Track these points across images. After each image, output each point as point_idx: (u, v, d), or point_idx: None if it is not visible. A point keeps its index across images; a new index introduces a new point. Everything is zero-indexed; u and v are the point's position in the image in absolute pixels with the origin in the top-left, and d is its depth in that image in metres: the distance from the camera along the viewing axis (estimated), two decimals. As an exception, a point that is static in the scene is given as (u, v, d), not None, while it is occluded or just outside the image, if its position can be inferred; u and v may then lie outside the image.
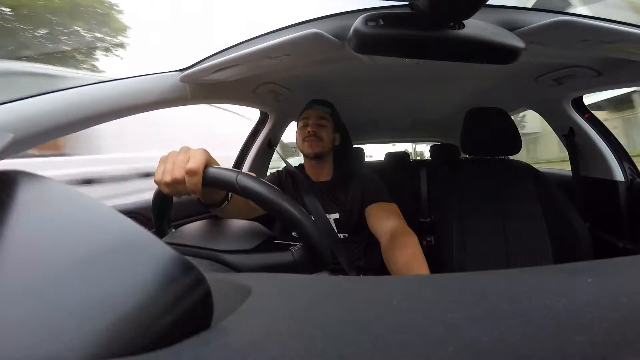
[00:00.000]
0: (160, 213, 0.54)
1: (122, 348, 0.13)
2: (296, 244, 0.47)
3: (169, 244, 0.45)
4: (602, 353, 0.11)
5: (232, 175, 0.43)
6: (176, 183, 0.45)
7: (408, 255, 0.77)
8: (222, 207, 0.55)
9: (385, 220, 0.91)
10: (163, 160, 0.47)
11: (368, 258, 1.04)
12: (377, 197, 0.98)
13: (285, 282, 0.25)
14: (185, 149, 0.46)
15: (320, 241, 0.44)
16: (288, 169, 1.10)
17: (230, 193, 0.58)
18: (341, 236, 0.99)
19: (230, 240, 0.46)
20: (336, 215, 0.99)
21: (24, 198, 0.18)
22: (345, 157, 1.16)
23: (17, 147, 0.54)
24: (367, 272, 1.04)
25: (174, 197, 0.52)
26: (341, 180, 1.05)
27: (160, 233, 0.55)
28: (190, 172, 0.43)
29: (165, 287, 0.16)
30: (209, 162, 0.45)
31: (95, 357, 0.12)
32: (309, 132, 1.00)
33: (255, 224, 0.52)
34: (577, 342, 0.12)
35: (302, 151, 1.03)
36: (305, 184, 1.02)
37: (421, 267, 0.74)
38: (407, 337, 0.14)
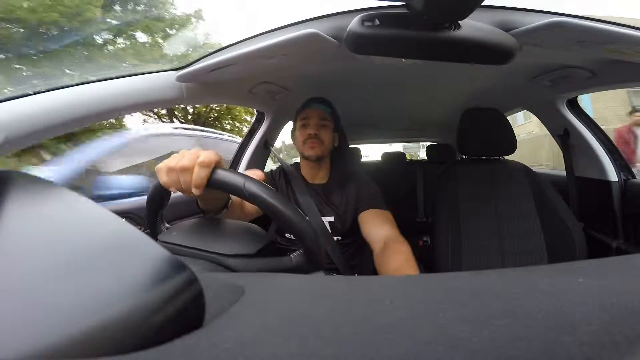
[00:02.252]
0: (157, 207, 0.53)
1: (113, 346, 0.13)
2: (295, 250, 0.48)
3: (168, 243, 0.45)
4: (587, 354, 0.11)
5: (240, 180, 0.42)
6: (182, 170, 0.42)
7: (399, 262, 0.76)
8: (221, 214, 0.54)
9: (378, 228, 0.89)
10: (173, 155, 0.45)
11: (363, 259, 1.04)
12: (371, 204, 0.96)
13: (278, 282, 0.25)
14: (197, 149, 0.45)
15: (319, 251, 0.45)
16: (284, 168, 1.06)
17: (230, 201, 0.58)
18: (335, 239, 0.97)
19: (232, 244, 0.45)
20: (331, 218, 0.98)
21: (15, 197, 0.18)
22: (342, 158, 1.13)
23: (9, 146, 0.53)
24: (362, 273, 1.03)
25: (171, 194, 0.51)
26: (337, 183, 1.02)
27: (153, 229, 0.54)
28: (202, 164, 0.42)
29: (157, 287, 0.16)
30: (219, 163, 0.44)
31: (87, 355, 0.12)
32: (310, 134, 0.95)
33: (255, 226, 0.52)
34: (565, 342, 0.12)
35: (302, 153, 0.99)
36: (300, 185, 0.99)
37: (412, 273, 0.73)
38: (398, 336, 0.14)
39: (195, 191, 0.43)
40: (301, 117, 1.00)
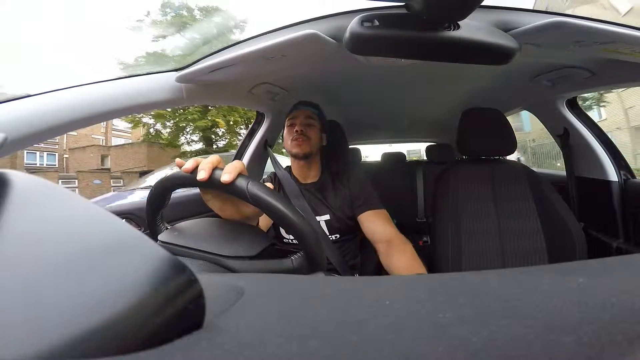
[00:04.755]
0: (158, 206, 0.52)
1: (112, 347, 0.13)
2: (296, 252, 0.47)
3: (168, 243, 0.45)
4: (587, 354, 0.11)
5: (243, 182, 0.42)
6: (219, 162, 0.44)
7: (405, 261, 0.81)
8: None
9: (381, 229, 0.92)
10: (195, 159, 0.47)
11: (363, 256, 1.05)
12: (368, 206, 0.98)
13: (278, 282, 0.25)
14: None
15: (321, 252, 0.45)
16: (277, 171, 1.09)
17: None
18: (333, 237, 0.99)
19: (233, 245, 0.45)
20: (326, 217, 0.99)
21: (14, 198, 0.18)
22: (334, 157, 1.15)
23: (10, 147, 0.53)
24: (364, 270, 1.04)
25: (171, 194, 0.51)
26: (329, 181, 1.04)
27: (153, 228, 0.54)
28: (237, 161, 0.44)
29: (157, 288, 0.16)
30: (242, 171, 0.45)
31: (87, 355, 0.12)
32: (296, 131, 0.99)
33: (256, 227, 0.52)
34: (565, 342, 0.12)
35: (290, 152, 1.02)
36: (293, 188, 1.01)
37: (420, 270, 0.78)
38: (398, 336, 0.14)
39: (226, 177, 0.42)
40: (289, 118, 1.04)
